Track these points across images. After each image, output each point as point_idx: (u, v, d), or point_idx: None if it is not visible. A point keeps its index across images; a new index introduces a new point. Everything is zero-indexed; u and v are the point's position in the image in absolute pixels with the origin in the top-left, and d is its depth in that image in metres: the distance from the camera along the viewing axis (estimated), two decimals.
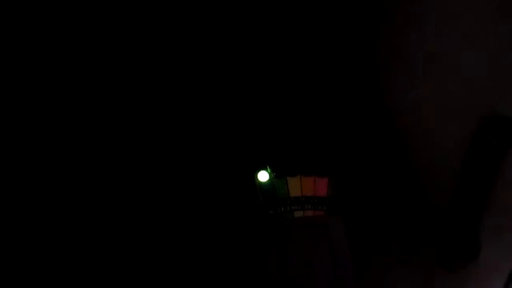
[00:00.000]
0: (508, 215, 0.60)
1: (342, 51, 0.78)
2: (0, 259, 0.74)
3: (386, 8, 0.73)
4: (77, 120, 0.81)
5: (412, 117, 0.76)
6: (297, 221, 0.82)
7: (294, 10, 0.80)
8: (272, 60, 0.80)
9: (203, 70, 0.81)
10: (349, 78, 0.80)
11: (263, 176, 0.84)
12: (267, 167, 0.84)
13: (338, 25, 0.78)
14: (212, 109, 0.84)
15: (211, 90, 0.82)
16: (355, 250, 0.78)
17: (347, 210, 0.82)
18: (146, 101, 0.82)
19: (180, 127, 0.84)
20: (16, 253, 0.76)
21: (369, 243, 0.80)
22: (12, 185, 0.78)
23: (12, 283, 0.74)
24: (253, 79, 0.81)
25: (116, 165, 0.81)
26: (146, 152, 0.83)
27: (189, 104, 0.82)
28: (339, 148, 0.85)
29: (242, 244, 0.81)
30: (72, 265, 0.77)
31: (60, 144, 0.80)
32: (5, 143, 0.77)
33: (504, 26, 0.55)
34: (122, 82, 0.80)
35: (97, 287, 0.76)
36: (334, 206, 0.82)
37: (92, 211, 0.80)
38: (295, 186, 0.84)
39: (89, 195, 0.80)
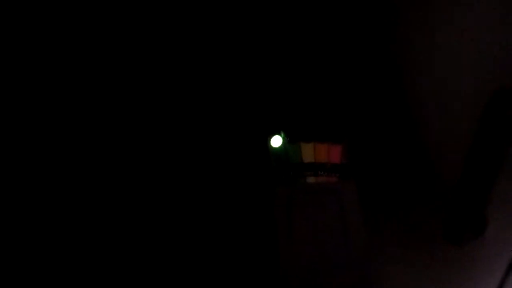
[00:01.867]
0: None
1: (357, 17, 0.74)
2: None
3: None
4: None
5: (425, 88, 0.74)
6: (309, 187, 0.82)
7: None
8: (287, 24, 0.76)
9: (215, 36, 0.78)
10: (365, 44, 0.76)
11: (276, 141, 0.83)
12: (281, 132, 0.83)
13: None
14: (226, 74, 0.81)
15: (224, 54, 0.79)
16: (366, 216, 0.79)
17: (360, 177, 0.82)
18: (147, 77, 0.79)
19: (193, 90, 0.82)
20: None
21: (380, 211, 0.81)
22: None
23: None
24: (268, 43, 0.78)
25: (117, 147, 0.81)
26: (154, 116, 0.82)
27: (202, 67, 0.80)
28: (353, 115, 0.83)
29: (253, 209, 0.82)
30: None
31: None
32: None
33: None
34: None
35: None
36: (347, 173, 0.82)
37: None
38: (309, 152, 0.83)
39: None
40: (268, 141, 0.83)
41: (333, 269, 0.78)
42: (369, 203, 0.80)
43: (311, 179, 0.83)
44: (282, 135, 0.83)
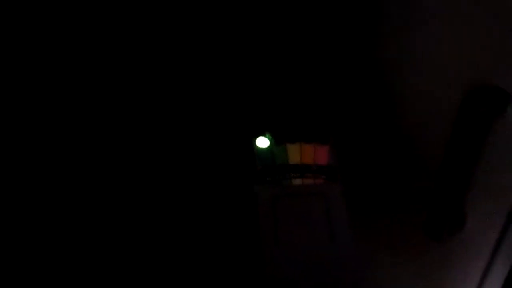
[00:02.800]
0: (494, 185, 0.60)
1: (342, 19, 0.75)
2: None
3: None
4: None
5: (405, 87, 0.74)
6: (295, 189, 0.80)
7: None
8: (272, 26, 0.77)
9: (202, 37, 0.78)
10: (349, 45, 0.76)
11: (262, 142, 0.82)
12: (267, 133, 0.82)
13: None
14: (212, 74, 0.81)
15: (209, 54, 0.79)
16: (352, 218, 0.77)
17: (346, 179, 0.80)
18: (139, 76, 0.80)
19: (178, 91, 0.81)
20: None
21: (365, 212, 0.79)
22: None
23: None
24: (253, 45, 0.78)
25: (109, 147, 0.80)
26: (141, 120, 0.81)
27: (187, 68, 0.80)
28: (339, 116, 0.82)
29: (237, 211, 0.80)
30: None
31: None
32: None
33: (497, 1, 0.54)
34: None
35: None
36: (333, 174, 0.80)
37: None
38: (295, 153, 0.81)
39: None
40: (253, 141, 0.82)
41: (319, 272, 0.75)
42: (353, 201, 0.77)
43: (297, 181, 0.80)
44: (268, 135, 0.82)
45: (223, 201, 0.81)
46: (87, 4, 0.71)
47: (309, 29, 0.76)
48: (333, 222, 0.77)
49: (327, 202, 0.79)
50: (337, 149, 0.81)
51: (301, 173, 0.81)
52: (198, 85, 0.81)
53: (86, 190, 0.80)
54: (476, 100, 0.58)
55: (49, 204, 0.79)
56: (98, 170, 0.80)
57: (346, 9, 0.72)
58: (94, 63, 0.76)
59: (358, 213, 0.77)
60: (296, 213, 0.78)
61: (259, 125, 0.82)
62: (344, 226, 0.77)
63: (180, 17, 0.76)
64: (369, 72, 0.76)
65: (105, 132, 0.80)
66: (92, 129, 0.79)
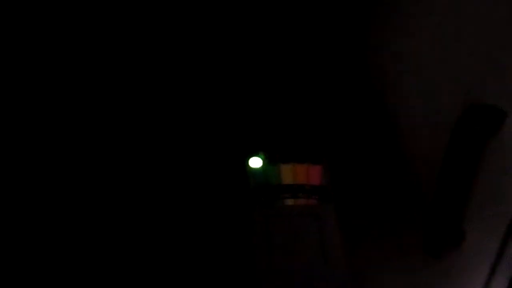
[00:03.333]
0: (491, 202, 0.61)
1: (336, 37, 0.76)
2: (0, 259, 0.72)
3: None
4: (77, 120, 0.79)
5: (400, 107, 0.75)
6: (288, 209, 0.80)
7: None
8: (265, 45, 0.78)
9: (195, 55, 0.79)
10: (343, 68, 0.78)
11: (255, 162, 0.81)
12: (260, 153, 0.82)
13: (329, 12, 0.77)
14: (204, 94, 0.81)
15: (203, 76, 0.79)
16: (346, 238, 0.77)
17: (340, 199, 0.80)
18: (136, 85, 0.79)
19: (171, 113, 0.81)
20: (16, 253, 0.75)
21: (359, 231, 0.79)
22: (12, 185, 0.76)
23: (12, 283, 0.72)
24: (246, 65, 0.79)
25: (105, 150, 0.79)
26: (135, 138, 0.80)
27: (181, 90, 0.80)
28: (333, 136, 0.83)
29: (231, 232, 0.79)
30: (72, 265, 0.75)
31: (60, 144, 0.78)
32: (5, 143, 0.75)
33: (489, 19, 0.55)
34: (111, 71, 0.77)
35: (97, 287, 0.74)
36: (326, 195, 0.80)
37: (87, 208, 0.77)
38: (288, 173, 0.81)
39: (83, 192, 0.78)
40: (246, 161, 0.81)
41: None
42: (349, 224, 0.77)
43: (289, 201, 0.80)
44: (261, 155, 0.82)
45: (216, 221, 0.80)
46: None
47: (302, 43, 0.77)
48: (326, 242, 0.77)
49: (320, 223, 0.78)
50: (330, 169, 0.82)
51: (294, 193, 0.80)
52: (191, 104, 0.81)
53: (83, 190, 0.78)
54: (471, 119, 0.59)
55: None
56: (93, 175, 0.79)
57: (339, 24, 0.74)
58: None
59: (354, 230, 0.77)
60: (289, 233, 0.78)
61: (252, 145, 0.82)
62: (337, 247, 0.76)
63: (170, 34, 0.76)
64: (362, 90, 0.77)
65: (99, 141, 0.79)
66: (86, 132, 0.78)
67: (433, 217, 0.67)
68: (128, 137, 0.80)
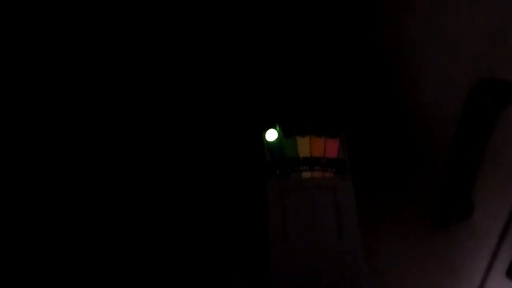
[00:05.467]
0: (501, 175, 0.63)
1: (345, 12, 0.74)
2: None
3: None
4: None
5: (413, 80, 0.74)
6: (304, 182, 0.79)
7: None
8: (278, 20, 0.76)
9: (210, 27, 0.78)
10: (356, 39, 0.76)
11: (271, 134, 0.81)
12: (276, 125, 0.81)
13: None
14: (219, 67, 0.81)
15: (216, 48, 0.79)
16: (360, 211, 0.76)
17: (357, 172, 0.78)
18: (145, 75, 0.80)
19: (187, 83, 0.81)
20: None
21: (370, 198, 0.78)
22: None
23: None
24: (261, 36, 0.77)
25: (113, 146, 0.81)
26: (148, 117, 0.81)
27: (193, 62, 0.80)
28: (349, 109, 0.81)
29: (246, 204, 0.80)
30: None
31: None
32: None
33: None
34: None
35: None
36: (343, 168, 0.79)
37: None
38: (305, 146, 0.81)
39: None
40: (262, 134, 0.81)
41: (325, 268, 0.74)
42: (364, 196, 0.76)
43: (306, 174, 0.80)
44: (277, 128, 0.81)
45: (231, 194, 0.81)
46: (87, 4, 0.72)
47: (314, 22, 0.75)
48: (342, 215, 0.76)
49: (337, 196, 0.78)
50: (351, 142, 0.80)
51: (310, 166, 0.80)
52: (206, 78, 0.81)
53: (88, 190, 0.80)
54: (483, 92, 0.59)
55: (49, 204, 0.80)
56: (104, 169, 0.81)
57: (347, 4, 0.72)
58: (95, 63, 0.77)
59: (363, 199, 0.76)
60: (305, 206, 0.77)
61: (268, 118, 0.82)
62: (353, 220, 0.76)
63: (186, 12, 0.76)
64: (376, 65, 0.75)
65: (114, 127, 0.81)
66: (94, 129, 0.80)
67: (443, 188, 0.67)
68: (138, 110, 0.81)
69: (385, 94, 0.77)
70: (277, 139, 0.81)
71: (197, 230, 0.80)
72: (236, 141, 0.82)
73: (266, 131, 0.81)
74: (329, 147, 0.80)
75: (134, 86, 0.80)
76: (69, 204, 0.80)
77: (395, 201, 0.79)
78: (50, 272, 0.77)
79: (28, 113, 0.78)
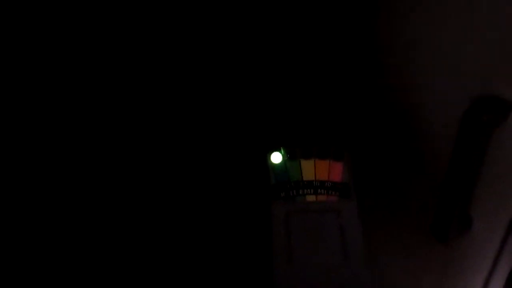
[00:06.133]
0: (498, 189, 0.65)
1: (348, 31, 0.75)
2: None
3: None
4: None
5: (412, 100, 0.76)
6: (308, 205, 0.80)
7: None
8: (284, 39, 0.77)
9: (215, 46, 0.79)
10: (362, 64, 0.77)
11: (276, 157, 0.81)
12: (281, 148, 0.82)
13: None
14: (226, 88, 0.82)
15: (222, 68, 0.80)
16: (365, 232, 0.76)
17: (361, 196, 0.79)
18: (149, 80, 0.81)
19: (190, 105, 0.82)
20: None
21: (370, 213, 0.79)
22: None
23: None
24: (265, 59, 0.78)
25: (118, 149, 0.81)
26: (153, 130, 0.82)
27: (200, 82, 0.81)
28: (354, 132, 0.81)
29: (250, 227, 0.80)
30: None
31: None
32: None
33: (501, 11, 0.57)
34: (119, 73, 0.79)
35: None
36: (347, 191, 0.79)
37: (92, 209, 0.80)
38: (309, 169, 0.81)
39: (89, 194, 0.80)
40: (267, 157, 0.82)
41: None
42: (368, 218, 0.77)
43: (310, 197, 0.80)
44: (282, 151, 0.82)
45: (236, 216, 0.81)
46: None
47: (318, 45, 0.77)
48: (347, 239, 0.76)
49: (341, 219, 0.78)
50: (355, 165, 0.81)
51: (314, 190, 0.80)
52: (212, 99, 0.82)
53: (94, 190, 0.80)
54: (479, 109, 0.61)
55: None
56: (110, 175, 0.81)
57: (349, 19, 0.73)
58: (102, 64, 0.77)
59: (364, 215, 0.77)
60: (309, 230, 0.77)
61: (273, 141, 0.82)
62: (358, 244, 0.76)
63: (195, 33, 0.77)
64: (378, 87, 0.76)
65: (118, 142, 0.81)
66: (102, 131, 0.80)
67: (442, 202, 0.68)
68: (146, 131, 0.82)
69: (385, 112, 0.79)
70: (281, 161, 0.81)
71: (202, 253, 0.80)
72: (241, 163, 0.83)
73: (271, 153, 0.82)
74: (334, 170, 0.81)
75: (143, 105, 0.81)
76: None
77: (395, 216, 0.80)
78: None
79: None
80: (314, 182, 0.80)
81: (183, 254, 0.80)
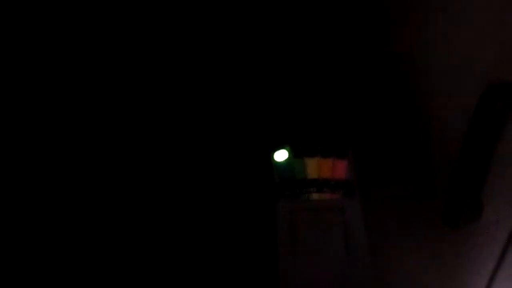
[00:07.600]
0: (510, 176, 0.66)
1: (358, 28, 0.75)
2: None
3: None
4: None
5: (423, 87, 0.76)
6: (313, 203, 0.80)
7: None
8: (289, 36, 0.77)
9: (217, 47, 0.79)
10: (369, 60, 0.76)
11: (280, 155, 0.82)
12: (285, 146, 0.82)
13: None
14: (231, 87, 0.82)
15: (226, 67, 0.80)
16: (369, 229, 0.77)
17: (365, 193, 0.79)
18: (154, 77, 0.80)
19: (195, 105, 0.82)
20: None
21: (381, 200, 0.79)
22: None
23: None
24: (270, 58, 0.78)
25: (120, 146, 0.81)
26: (159, 127, 0.82)
27: (205, 81, 0.81)
28: (358, 129, 0.82)
29: (255, 226, 0.81)
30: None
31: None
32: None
33: None
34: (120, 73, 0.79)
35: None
36: (351, 189, 0.80)
37: (92, 208, 0.80)
38: (313, 168, 0.82)
39: (89, 194, 0.80)
40: (272, 155, 0.82)
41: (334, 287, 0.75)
42: (371, 187, 0.77)
43: (315, 196, 0.81)
44: (287, 149, 0.82)
45: (241, 214, 0.82)
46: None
47: (324, 45, 0.76)
48: (350, 237, 0.77)
49: (345, 217, 0.79)
50: (359, 163, 0.81)
51: (319, 188, 0.81)
52: (217, 98, 0.82)
53: (95, 190, 0.81)
54: (493, 96, 0.61)
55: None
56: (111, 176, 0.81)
57: (357, 16, 0.73)
58: (103, 64, 0.77)
59: (375, 200, 0.77)
60: (313, 228, 0.78)
61: (277, 139, 0.83)
62: (361, 240, 0.77)
63: (200, 35, 0.77)
64: (387, 82, 0.76)
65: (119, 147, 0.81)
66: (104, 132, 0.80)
67: (454, 190, 0.69)
68: (151, 130, 0.82)
69: (396, 96, 0.78)
70: (286, 160, 0.82)
71: (208, 251, 0.81)
72: (245, 162, 0.83)
73: (275, 152, 0.82)
74: (337, 168, 0.81)
75: (148, 105, 0.81)
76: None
77: (406, 205, 0.80)
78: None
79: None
80: (318, 180, 0.81)
81: (190, 252, 0.81)
